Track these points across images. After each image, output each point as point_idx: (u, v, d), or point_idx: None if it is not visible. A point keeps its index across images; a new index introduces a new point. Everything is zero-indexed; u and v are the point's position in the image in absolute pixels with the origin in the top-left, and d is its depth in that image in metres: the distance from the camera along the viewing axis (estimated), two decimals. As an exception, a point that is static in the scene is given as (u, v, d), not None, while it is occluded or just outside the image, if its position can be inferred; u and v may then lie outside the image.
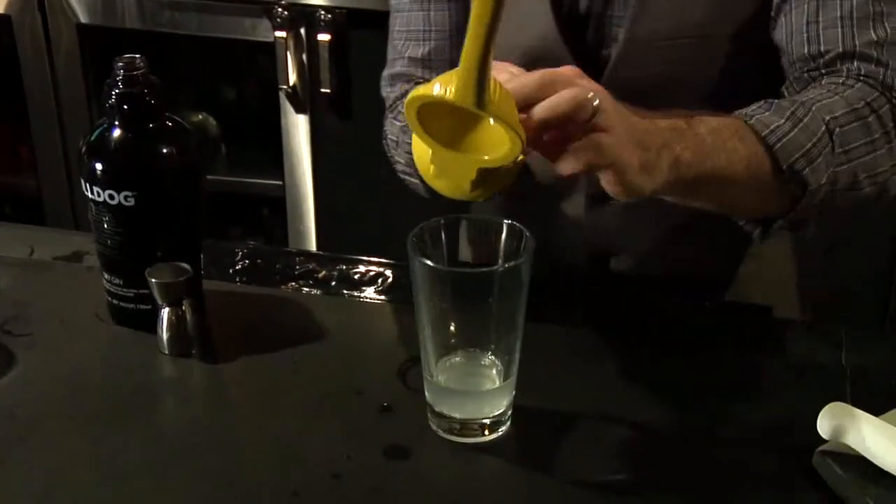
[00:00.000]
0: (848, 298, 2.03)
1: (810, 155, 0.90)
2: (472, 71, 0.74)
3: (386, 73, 1.21)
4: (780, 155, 0.89)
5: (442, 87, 0.76)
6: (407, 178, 1.15)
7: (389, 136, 1.17)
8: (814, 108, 0.92)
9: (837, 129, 0.91)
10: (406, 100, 0.78)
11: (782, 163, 0.89)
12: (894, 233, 2.03)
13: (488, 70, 0.74)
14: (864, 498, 0.76)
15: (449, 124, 0.79)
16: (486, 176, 0.81)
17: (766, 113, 0.91)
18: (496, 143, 0.78)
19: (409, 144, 1.07)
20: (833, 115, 0.92)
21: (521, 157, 0.79)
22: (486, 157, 0.79)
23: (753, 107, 0.93)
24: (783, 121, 0.90)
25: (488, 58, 0.74)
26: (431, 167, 0.82)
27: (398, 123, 1.14)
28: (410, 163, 1.08)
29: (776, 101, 0.93)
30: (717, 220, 0.99)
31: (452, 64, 1.11)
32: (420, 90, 0.78)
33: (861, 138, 0.92)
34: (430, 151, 0.81)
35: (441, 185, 0.85)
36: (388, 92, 1.20)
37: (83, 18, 2.07)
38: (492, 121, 0.77)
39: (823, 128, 0.91)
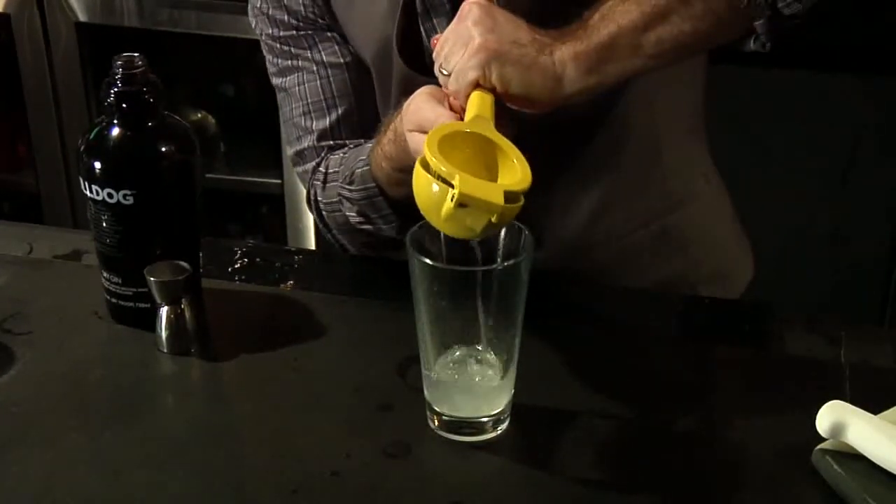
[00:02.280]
0: (847, 295, 2.03)
1: None
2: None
3: (292, 151, 1.17)
4: None
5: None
6: (362, 226, 1.11)
7: (326, 200, 1.14)
8: None
9: None
10: (428, 136, 0.79)
11: None
12: (893, 229, 2.04)
13: None
14: (863, 496, 0.76)
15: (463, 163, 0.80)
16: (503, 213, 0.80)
17: None
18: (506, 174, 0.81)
19: (358, 190, 1.06)
20: None
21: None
22: (513, 182, 0.79)
23: None
24: None
25: None
26: (445, 208, 0.79)
27: (334, 183, 1.11)
28: (367, 209, 1.07)
29: None
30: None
31: (362, 124, 1.12)
32: (443, 126, 0.82)
33: None
34: (450, 192, 0.78)
35: (450, 227, 0.81)
36: (302, 169, 1.17)
37: (82, 17, 2.07)
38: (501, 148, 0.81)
39: None
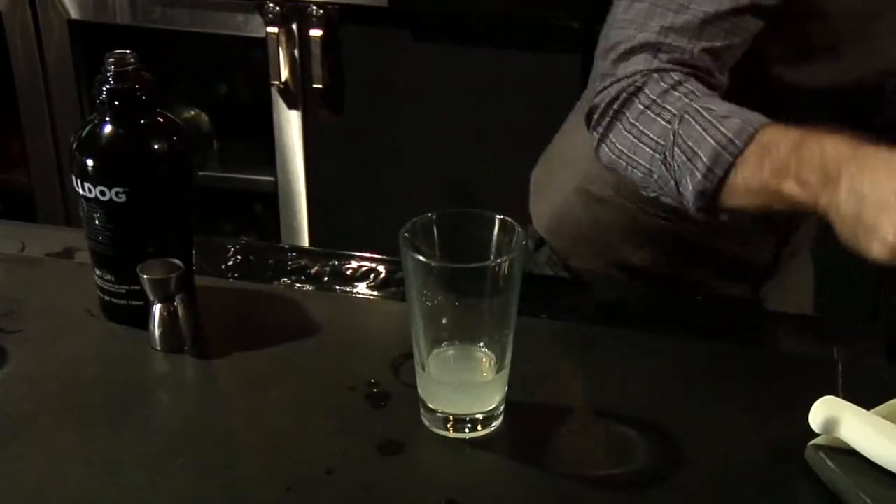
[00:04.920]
0: (840, 292, 2.03)
1: None
2: None
3: (621, 48, 0.97)
4: None
5: None
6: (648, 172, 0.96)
7: (635, 140, 0.96)
8: None
9: None
10: None
11: None
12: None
13: None
14: (856, 491, 0.77)
15: None
16: None
17: None
18: None
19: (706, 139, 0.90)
20: None
21: None
22: None
23: None
24: None
25: None
26: None
27: (678, 96, 0.93)
28: (706, 183, 0.91)
29: None
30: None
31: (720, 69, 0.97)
32: None
33: None
34: None
35: None
36: (622, 69, 0.97)
37: (74, 14, 2.07)
38: None
39: None
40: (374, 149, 2.07)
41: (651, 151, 0.95)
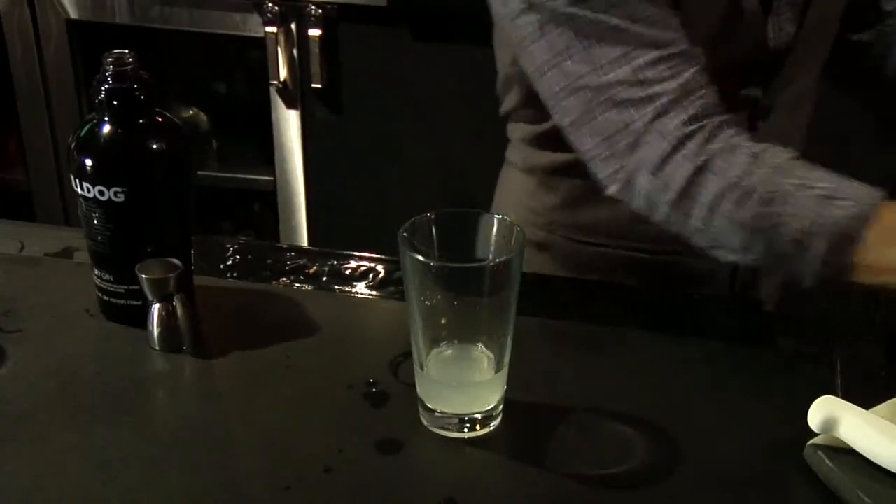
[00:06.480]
0: (838, 291, 2.03)
1: None
2: None
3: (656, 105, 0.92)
4: None
5: None
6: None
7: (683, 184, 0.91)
8: None
9: None
10: None
11: None
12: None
13: None
14: (855, 490, 0.77)
15: None
16: None
17: None
18: None
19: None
20: None
21: None
22: None
23: None
24: None
25: None
26: None
27: (716, 179, 0.90)
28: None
29: None
30: None
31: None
32: None
33: None
34: None
35: None
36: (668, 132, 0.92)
37: (73, 14, 2.07)
38: None
39: None
40: (373, 148, 2.07)
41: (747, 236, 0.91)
